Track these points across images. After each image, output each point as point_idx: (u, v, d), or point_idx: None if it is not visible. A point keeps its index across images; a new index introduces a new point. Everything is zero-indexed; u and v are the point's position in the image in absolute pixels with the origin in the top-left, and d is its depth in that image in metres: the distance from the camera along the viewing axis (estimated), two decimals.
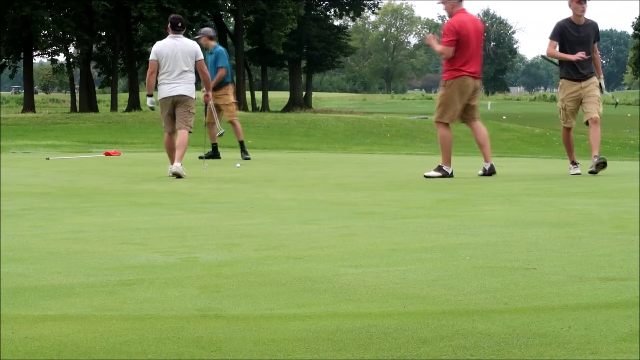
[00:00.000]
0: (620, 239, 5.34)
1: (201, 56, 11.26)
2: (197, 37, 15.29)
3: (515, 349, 2.89)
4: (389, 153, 19.09)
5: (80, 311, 3.45)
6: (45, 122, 32.73)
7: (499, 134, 33.08)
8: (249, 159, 14.78)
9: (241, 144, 15.16)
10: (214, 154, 14.82)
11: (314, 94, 79.71)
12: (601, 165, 10.35)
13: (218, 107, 14.62)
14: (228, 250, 4.96)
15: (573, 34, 10.46)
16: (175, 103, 11.14)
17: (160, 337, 3.04)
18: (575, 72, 10.49)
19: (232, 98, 15.02)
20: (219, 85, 14.68)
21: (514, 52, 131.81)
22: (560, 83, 10.69)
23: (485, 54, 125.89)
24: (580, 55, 10.41)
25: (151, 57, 11.26)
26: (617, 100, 9.36)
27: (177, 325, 3.20)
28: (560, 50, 10.52)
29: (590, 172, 10.38)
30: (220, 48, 14.99)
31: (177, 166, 10.69)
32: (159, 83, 11.32)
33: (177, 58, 11.11)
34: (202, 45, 14.22)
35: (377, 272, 4.23)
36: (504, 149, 25.81)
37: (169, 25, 11.31)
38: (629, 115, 43.26)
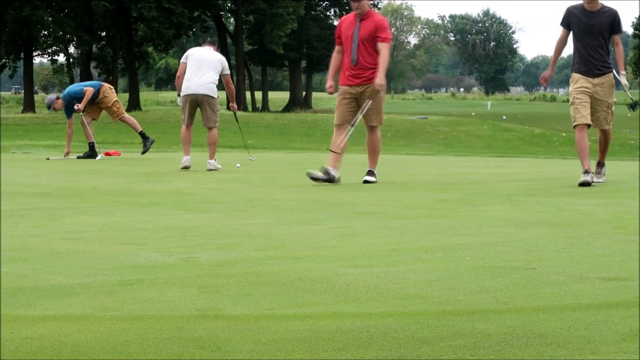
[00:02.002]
0: (621, 239, 5.34)
1: (227, 71, 12.49)
2: None
3: (515, 349, 2.89)
4: (389, 153, 19.05)
5: (80, 311, 3.45)
6: (45, 122, 32.75)
7: (499, 134, 33.08)
8: (144, 151, 14.99)
9: (141, 134, 15.14)
10: (91, 154, 14.95)
11: (314, 94, 79.59)
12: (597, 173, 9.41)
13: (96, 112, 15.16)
14: (228, 250, 4.96)
15: (582, 21, 9.31)
16: (199, 102, 12.20)
17: (160, 337, 3.04)
18: (587, 68, 9.33)
19: (112, 98, 15.04)
20: (95, 97, 14.92)
21: (514, 52, 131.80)
22: (572, 77, 9.54)
23: (485, 53, 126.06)
24: (541, 79, 9.69)
25: (182, 59, 12.49)
26: (636, 104, 8.88)
27: (177, 325, 3.20)
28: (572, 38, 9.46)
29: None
30: None
31: (210, 162, 12.03)
32: (184, 80, 12.25)
33: (204, 61, 12.21)
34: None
35: (377, 272, 4.22)
36: (504, 149, 25.81)
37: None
38: (629, 115, 43.22)
